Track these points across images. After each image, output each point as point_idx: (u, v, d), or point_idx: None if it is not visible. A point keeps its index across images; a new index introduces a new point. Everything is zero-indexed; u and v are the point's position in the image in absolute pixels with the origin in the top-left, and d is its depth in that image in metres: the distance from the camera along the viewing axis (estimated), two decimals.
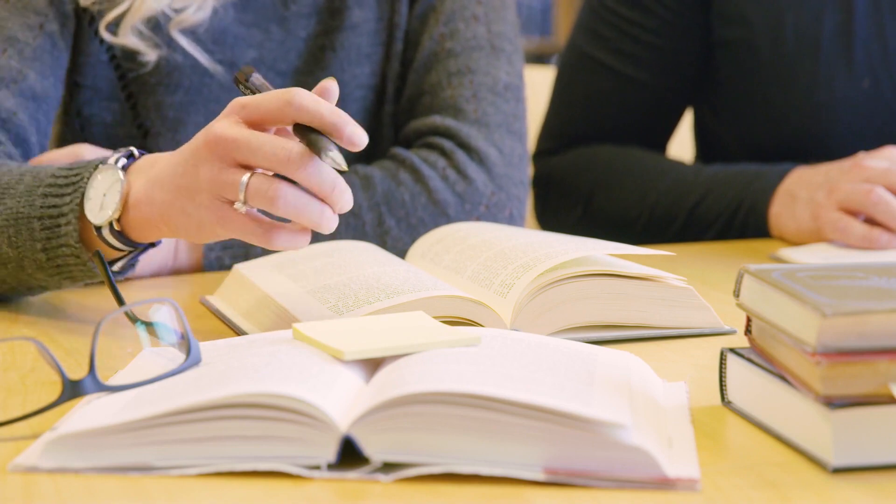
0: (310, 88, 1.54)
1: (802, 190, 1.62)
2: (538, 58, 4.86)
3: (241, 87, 1.17)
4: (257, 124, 1.09)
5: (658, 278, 1.18)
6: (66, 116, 1.52)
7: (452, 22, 1.56)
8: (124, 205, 1.14)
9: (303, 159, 1.05)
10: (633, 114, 1.85)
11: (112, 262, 1.18)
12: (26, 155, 1.41)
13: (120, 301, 1.11)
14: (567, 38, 1.92)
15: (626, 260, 1.23)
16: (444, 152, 1.51)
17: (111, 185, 1.14)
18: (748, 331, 0.96)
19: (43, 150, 1.45)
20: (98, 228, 1.16)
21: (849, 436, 0.84)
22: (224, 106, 1.49)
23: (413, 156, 1.50)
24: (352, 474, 0.83)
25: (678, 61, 1.82)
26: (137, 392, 0.92)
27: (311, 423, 0.84)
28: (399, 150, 1.51)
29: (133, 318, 1.10)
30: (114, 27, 1.46)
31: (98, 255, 1.13)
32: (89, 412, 0.89)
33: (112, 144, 1.51)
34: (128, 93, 1.48)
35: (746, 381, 0.95)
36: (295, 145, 1.06)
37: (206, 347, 0.99)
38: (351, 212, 1.44)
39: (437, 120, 1.53)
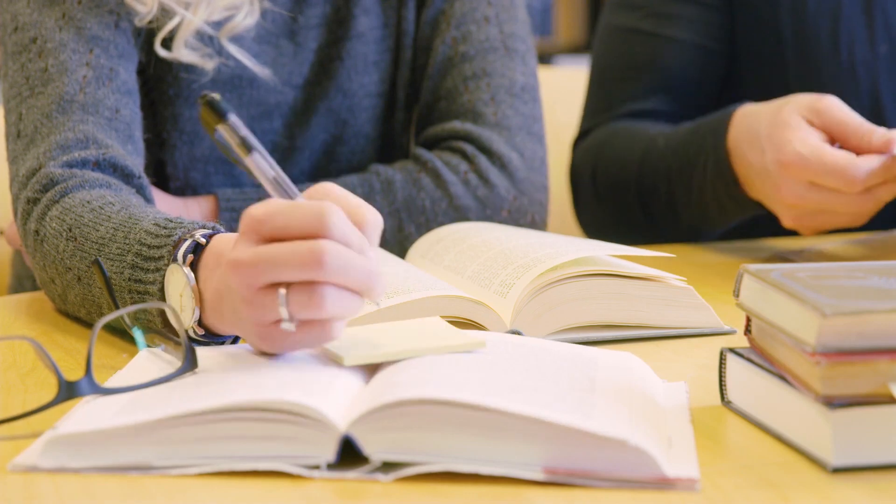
0: (319, 99, 1.54)
1: (762, 127, 1.52)
2: (538, 58, 4.86)
3: (216, 125, 1.01)
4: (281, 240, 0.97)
5: (658, 278, 1.18)
6: None
7: (464, 25, 1.54)
8: (202, 307, 1.06)
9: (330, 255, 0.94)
10: (675, 76, 1.76)
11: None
12: (137, 151, 1.37)
13: (116, 305, 1.10)
14: (598, 26, 1.85)
15: (626, 260, 1.23)
16: (465, 156, 1.49)
17: (184, 289, 1.07)
18: (748, 331, 0.96)
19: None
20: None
21: (849, 436, 0.84)
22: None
23: (435, 159, 1.48)
24: (351, 474, 0.83)
25: (715, 18, 1.75)
26: (135, 395, 0.92)
27: (310, 423, 0.84)
28: (421, 152, 1.50)
29: (130, 324, 1.10)
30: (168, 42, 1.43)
31: (97, 262, 1.12)
32: (88, 412, 0.89)
33: None
34: (150, 100, 1.47)
35: (746, 381, 0.95)
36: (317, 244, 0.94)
37: (203, 353, 0.99)
38: None
39: (457, 125, 1.51)
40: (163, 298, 1.09)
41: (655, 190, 1.67)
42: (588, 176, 1.74)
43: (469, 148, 1.49)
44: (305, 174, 1.53)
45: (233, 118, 0.99)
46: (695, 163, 1.60)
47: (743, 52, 1.77)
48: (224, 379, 0.92)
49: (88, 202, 1.23)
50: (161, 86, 1.46)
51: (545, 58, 4.89)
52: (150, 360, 1.01)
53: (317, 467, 0.84)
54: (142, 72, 1.44)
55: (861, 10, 1.70)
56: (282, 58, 1.50)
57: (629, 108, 1.77)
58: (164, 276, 1.10)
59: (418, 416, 0.84)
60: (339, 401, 0.87)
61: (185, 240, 1.09)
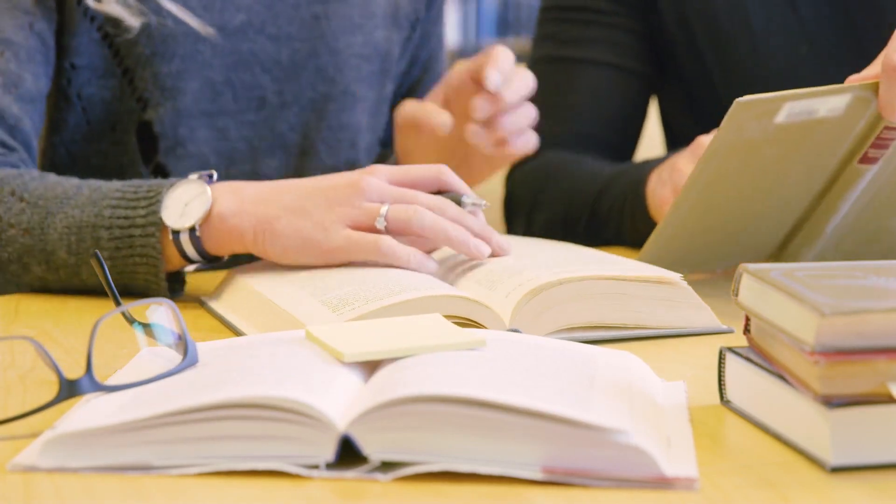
0: (306, 56, 1.57)
1: (664, 171, 1.59)
2: None
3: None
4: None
5: (656, 278, 1.18)
6: (66, 102, 1.52)
7: (440, 26, 1.74)
8: (208, 215, 1.23)
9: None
10: (595, 98, 1.78)
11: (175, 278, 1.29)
12: (32, 162, 1.44)
13: (117, 301, 1.11)
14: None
15: (624, 258, 1.23)
16: None
17: (196, 196, 1.22)
18: (747, 330, 0.96)
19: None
20: (176, 233, 1.24)
21: (847, 435, 0.84)
22: (217, 72, 1.53)
23: None
24: (350, 473, 0.84)
25: (632, 38, 1.77)
26: (135, 392, 0.92)
27: (309, 422, 0.84)
28: None
29: (130, 319, 1.10)
30: None
31: (96, 255, 1.13)
32: (88, 411, 0.89)
33: (113, 122, 1.53)
34: (124, 68, 1.49)
35: (745, 381, 0.95)
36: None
37: (203, 348, 0.99)
38: None
39: None
40: (159, 231, 1.24)
41: (576, 221, 1.70)
42: (522, 210, 1.77)
43: None
44: (295, 130, 1.58)
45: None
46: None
47: (671, 74, 1.78)
48: (224, 375, 0.92)
49: (21, 174, 1.34)
50: (135, 49, 1.49)
51: None
52: (150, 359, 1.01)
53: (316, 467, 0.84)
54: (111, 43, 1.48)
55: (776, 13, 1.70)
56: (257, 6, 1.55)
57: (555, 137, 1.78)
58: (160, 206, 1.24)
59: (417, 415, 0.84)
60: (338, 400, 0.87)
61: (196, 174, 1.25)
